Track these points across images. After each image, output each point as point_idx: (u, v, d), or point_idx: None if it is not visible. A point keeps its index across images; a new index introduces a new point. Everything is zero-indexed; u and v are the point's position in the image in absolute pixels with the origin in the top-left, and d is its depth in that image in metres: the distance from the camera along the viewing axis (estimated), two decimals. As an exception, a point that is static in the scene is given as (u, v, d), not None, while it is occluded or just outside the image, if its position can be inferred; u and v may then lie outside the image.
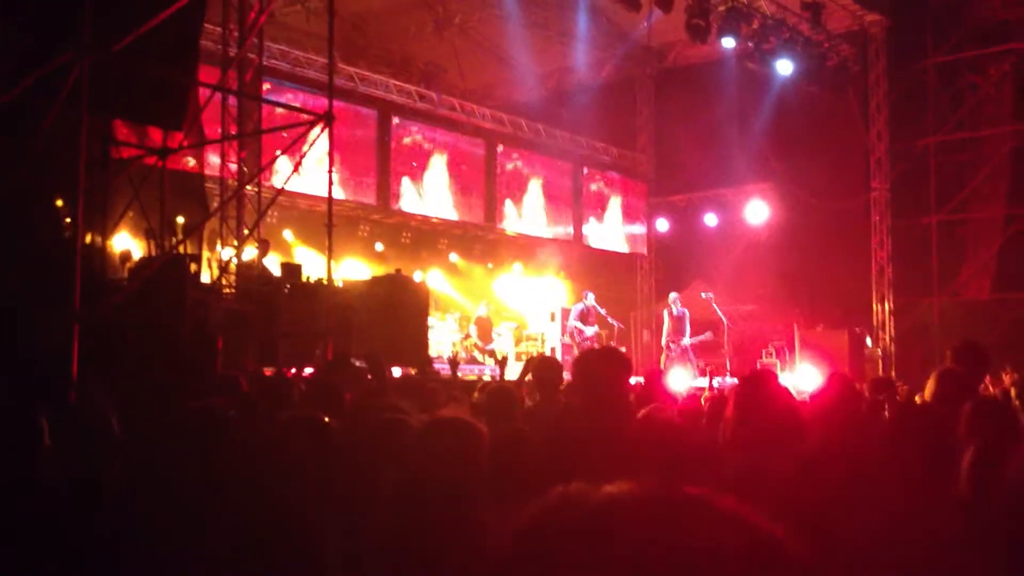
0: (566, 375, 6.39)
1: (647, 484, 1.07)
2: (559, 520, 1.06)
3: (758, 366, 17.14)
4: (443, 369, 16.16)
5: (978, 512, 3.12)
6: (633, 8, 16.53)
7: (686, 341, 17.92)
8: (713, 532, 1.02)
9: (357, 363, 8.31)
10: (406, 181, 19.74)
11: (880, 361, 19.59)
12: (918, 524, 3.04)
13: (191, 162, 13.80)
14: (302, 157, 13.48)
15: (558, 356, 17.67)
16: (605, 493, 1.07)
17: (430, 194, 20.11)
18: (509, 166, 22.01)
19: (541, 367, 6.21)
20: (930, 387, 4.74)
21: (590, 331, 18.33)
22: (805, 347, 17.41)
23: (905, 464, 3.37)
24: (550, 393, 5.82)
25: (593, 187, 23.73)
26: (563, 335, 19.13)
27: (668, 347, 18.12)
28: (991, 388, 5.83)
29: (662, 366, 17.60)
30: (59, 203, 9.44)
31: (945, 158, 22.64)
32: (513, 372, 17.60)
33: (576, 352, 18.05)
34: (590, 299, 18.55)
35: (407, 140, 19.98)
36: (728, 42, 18.56)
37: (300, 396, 6.34)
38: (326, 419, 3.93)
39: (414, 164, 19.95)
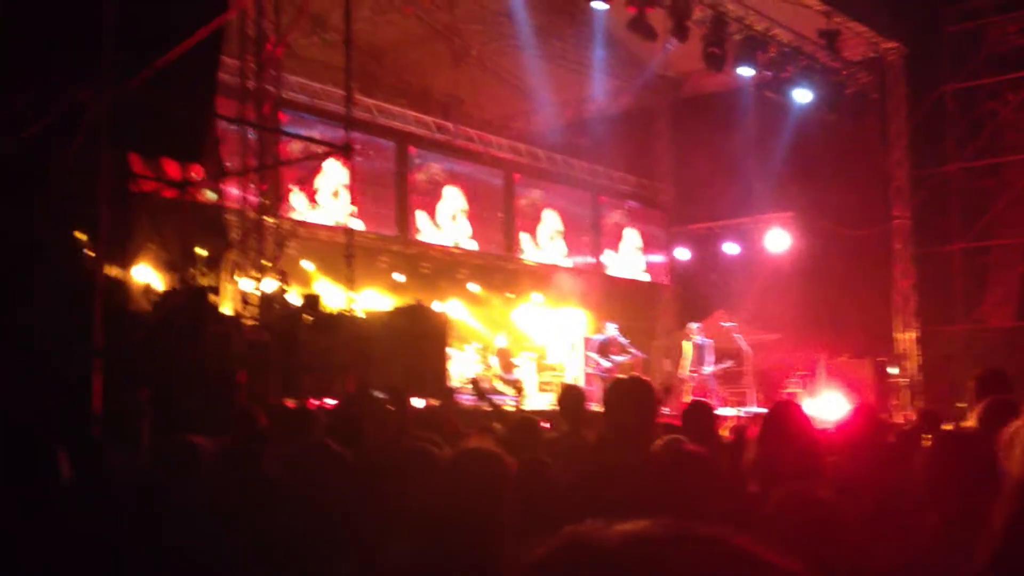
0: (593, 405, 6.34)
1: (662, 522, 1.06)
2: (571, 558, 1.05)
3: (782, 396, 17.03)
4: (465, 399, 16.12)
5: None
6: (650, 38, 16.55)
7: (708, 369, 17.83)
8: (728, 571, 1.02)
9: (378, 395, 8.28)
10: (424, 212, 19.77)
11: (907, 390, 19.41)
12: (951, 558, 2.97)
13: (210, 194, 13.85)
14: (319, 189, 13.53)
15: (581, 385, 17.62)
16: (619, 532, 1.06)
17: (448, 224, 20.13)
18: (527, 196, 22.02)
19: (566, 397, 6.16)
20: (975, 416, 4.65)
21: (605, 363, 18.29)
22: (829, 377, 17.27)
23: (942, 495, 3.29)
24: (575, 423, 5.77)
25: (612, 217, 23.71)
26: (586, 365, 19.07)
27: (690, 377, 18.06)
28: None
29: (684, 398, 17.52)
30: (80, 236, 9.47)
31: (966, 185, 22.53)
32: (533, 401, 17.68)
33: (598, 382, 18.05)
34: (610, 330, 18.50)
35: (425, 171, 20.02)
36: (745, 71, 18.57)
37: (321, 429, 6.30)
38: (338, 449, 3.89)
39: (432, 195, 19.98)
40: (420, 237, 19.70)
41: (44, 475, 3.59)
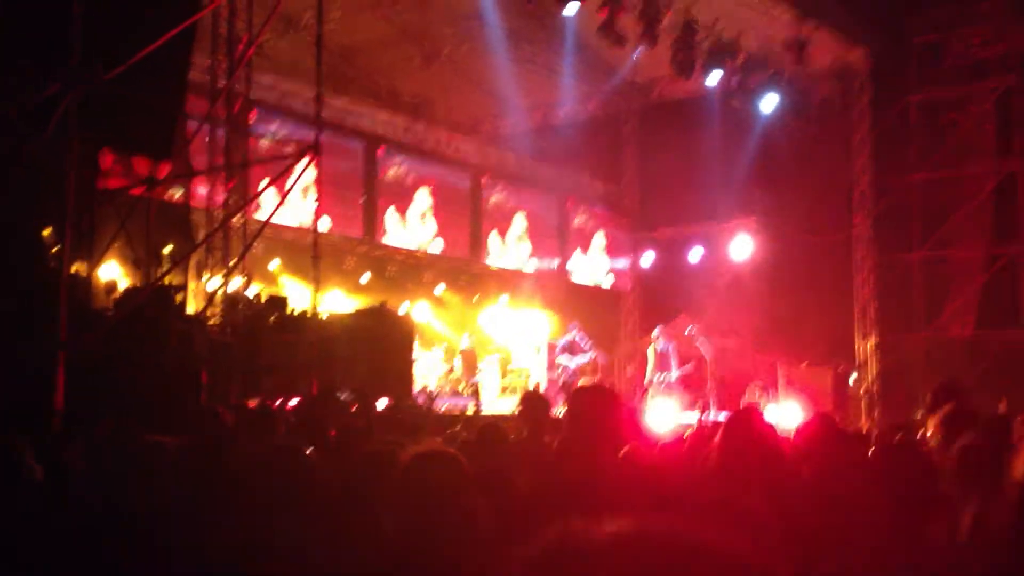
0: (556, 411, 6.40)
1: (649, 521, 1.10)
2: (560, 557, 1.08)
3: (742, 404, 17.18)
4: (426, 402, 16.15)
5: (959, 555, 3.13)
6: (619, 43, 16.66)
7: (673, 375, 17.95)
8: (712, 571, 1.06)
9: (342, 397, 8.31)
10: (391, 213, 19.78)
11: (864, 399, 19.63)
12: (898, 564, 3.06)
13: (177, 193, 13.80)
14: (289, 189, 13.49)
15: (542, 390, 17.68)
16: (607, 530, 1.10)
17: (415, 226, 20.15)
18: (494, 199, 22.08)
19: (527, 402, 6.21)
20: (934, 427, 4.75)
21: (574, 364, 18.36)
22: (789, 384, 17.44)
23: (889, 503, 3.38)
24: (537, 429, 5.82)
25: (578, 221, 23.81)
26: (551, 371, 19.13)
27: (652, 383, 18.15)
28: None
29: (644, 403, 17.64)
30: (46, 232, 9.43)
31: (928, 195, 22.81)
32: (492, 404, 17.70)
33: (562, 385, 18.11)
34: (572, 331, 18.61)
35: (393, 172, 20.03)
36: (713, 78, 18.72)
37: (285, 429, 6.33)
38: (306, 451, 3.93)
39: (400, 196, 19.99)
40: (387, 239, 19.71)
41: (10, 473, 3.61)
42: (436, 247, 20.70)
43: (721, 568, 1.07)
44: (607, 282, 24.32)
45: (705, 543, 1.08)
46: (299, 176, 12.25)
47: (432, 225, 20.53)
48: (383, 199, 19.67)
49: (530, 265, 22.61)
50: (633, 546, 1.08)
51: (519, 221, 22.40)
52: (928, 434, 5.15)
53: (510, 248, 22.16)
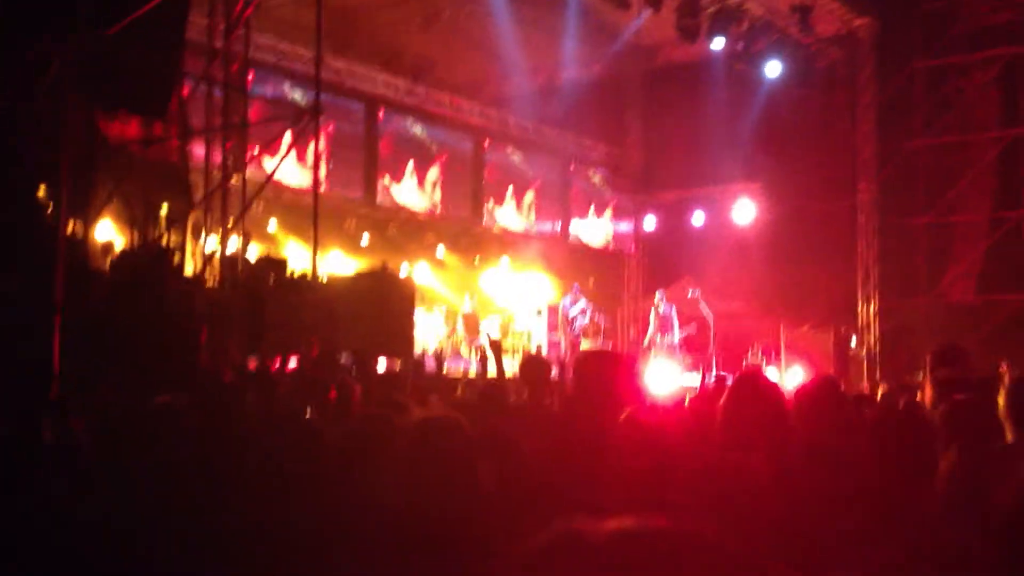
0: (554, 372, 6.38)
1: (650, 519, 1.13)
2: (562, 553, 1.11)
3: (744, 365, 17.18)
4: (429, 364, 16.14)
5: (954, 518, 3.10)
6: (623, 7, 16.50)
7: (676, 338, 18.01)
8: (710, 567, 1.10)
9: (342, 359, 8.28)
10: (392, 175, 19.68)
11: (865, 362, 19.62)
12: (895, 529, 3.02)
13: (175, 153, 13.70)
14: (288, 149, 13.39)
15: (544, 352, 17.69)
16: (608, 527, 1.12)
17: (417, 188, 20.06)
18: (497, 162, 21.97)
19: (528, 366, 6.19)
20: (927, 390, 4.72)
21: (579, 322, 18.47)
22: (791, 347, 17.42)
23: (886, 467, 3.34)
24: (538, 391, 5.80)
25: (581, 184, 23.71)
26: (551, 333, 19.14)
27: (653, 343, 18.25)
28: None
29: (645, 365, 17.69)
30: (41, 191, 9.35)
31: (932, 161, 22.71)
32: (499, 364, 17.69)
33: (566, 344, 18.19)
34: (576, 291, 18.65)
35: (394, 134, 19.92)
36: (717, 43, 18.55)
37: (285, 390, 6.30)
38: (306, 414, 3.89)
39: (401, 158, 19.89)
40: (388, 200, 19.62)
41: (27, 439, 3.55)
42: (438, 209, 20.60)
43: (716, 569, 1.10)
44: (611, 245, 24.26)
45: (706, 543, 1.12)
46: (298, 138, 12.16)
47: (433, 187, 20.41)
48: (384, 160, 19.55)
49: (533, 227, 22.54)
50: (630, 544, 1.11)
51: (521, 183, 22.28)
52: (924, 397, 5.12)
53: (512, 210, 22.06)
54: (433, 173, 20.39)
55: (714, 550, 1.11)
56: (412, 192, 19.98)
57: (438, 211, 20.64)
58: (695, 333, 18.29)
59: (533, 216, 22.55)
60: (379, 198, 19.38)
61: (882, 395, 7.37)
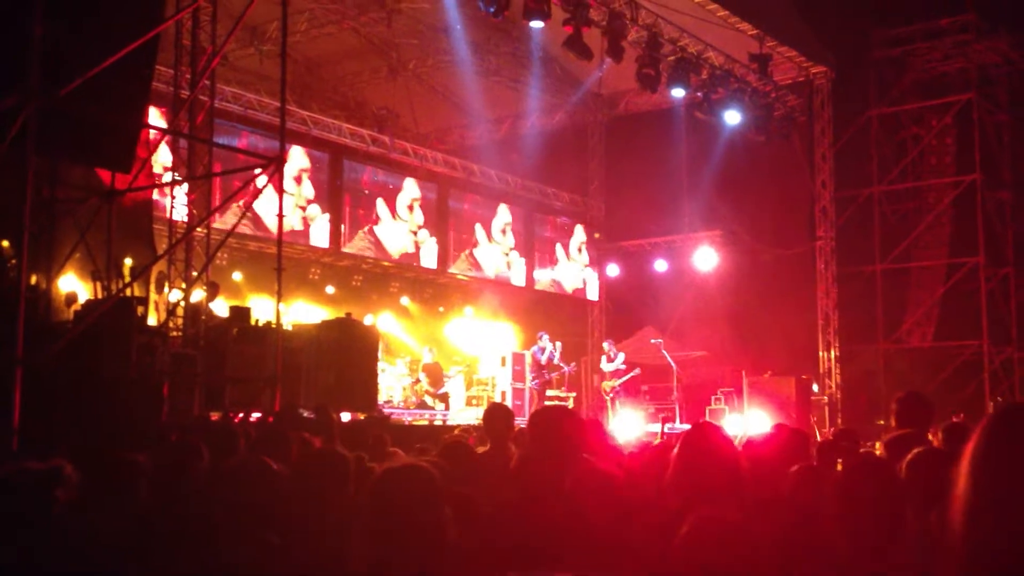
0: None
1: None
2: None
3: (706, 414, 17.29)
4: (393, 413, 16.12)
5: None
6: (585, 57, 16.70)
7: (618, 382, 18.52)
8: None
9: (305, 413, 8.28)
10: (357, 224, 19.73)
11: (827, 408, 19.79)
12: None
13: (140, 204, 13.69)
14: (252, 199, 13.39)
15: (508, 401, 17.70)
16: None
17: (381, 237, 20.11)
18: (461, 210, 22.08)
19: (491, 415, 6.21)
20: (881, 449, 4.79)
21: (545, 375, 18.66)
22: (753, 393, 17.54)
23: (854, 517, 3.40)
24: (500, 441, 5.82)
25: (544, 232, 23.85)
26: (515, 382, 19.20)
27: (611, 392, 18.60)
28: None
29: (608, 414, 18.00)
30: (4, 244, 9.32)
31: (889, 207, 23.11)
32: (459, 414, 17.72)
33: (534, 394, 18.33)
34: (544, 340, 18.74)
35: (359, 183, 19.99)
36: (678, 92, 18.83)
37: (247, 444, 6.28)
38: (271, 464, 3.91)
39: (365, 207, 19.95)
40: (352, 249, 19.64)
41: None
42: (402, 258, 20.63)
43: None
44: (574, 294, 24.36)
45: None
46: (263, 188, 12.18)
47: (397, 236, 20.46)
48: (348, 210, 19.59)
49: (498, 276, 22.61)
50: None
51: (484, 232, 22.39)
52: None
53: (476, 259, 22.13)
54: (397, 222, 20.42)
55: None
56: (376, 242, 19.99)
57: (403, 260, 20.64)
58: (639, 375, 18.74)
59: (497, 265, 22.63)
60: (343, 247, 19.39)
61: (843, 447, 7.41)
